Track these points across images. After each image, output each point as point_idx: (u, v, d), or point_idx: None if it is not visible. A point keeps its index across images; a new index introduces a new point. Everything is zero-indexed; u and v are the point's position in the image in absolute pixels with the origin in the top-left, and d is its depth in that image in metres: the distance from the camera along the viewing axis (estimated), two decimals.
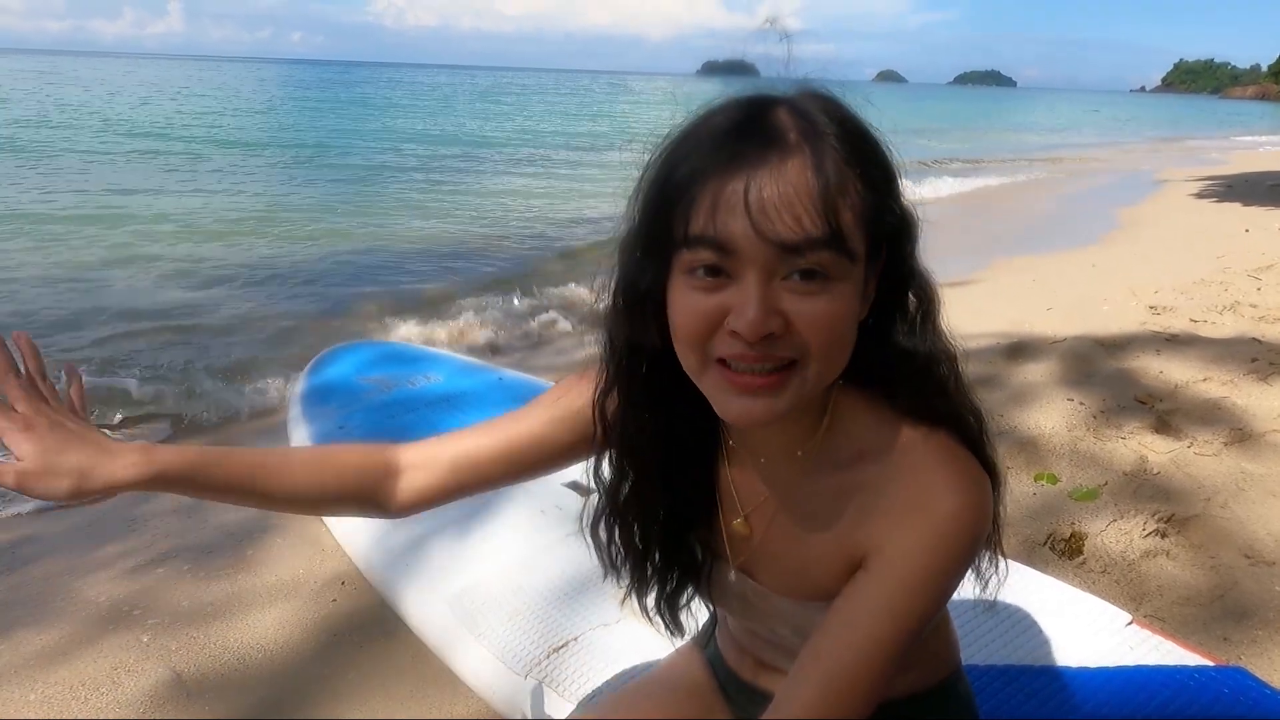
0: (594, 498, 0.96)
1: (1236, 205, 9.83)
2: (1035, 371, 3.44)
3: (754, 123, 0.71)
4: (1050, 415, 2.95)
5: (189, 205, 9.34)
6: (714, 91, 0.76)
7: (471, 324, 5.25)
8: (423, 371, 3.10)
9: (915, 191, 0.78)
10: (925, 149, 17.24)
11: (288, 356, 4.52)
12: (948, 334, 0.83)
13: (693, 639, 1.19)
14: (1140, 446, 2.71)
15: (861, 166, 0.71)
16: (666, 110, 0.78)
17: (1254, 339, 3.86)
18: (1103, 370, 3.42)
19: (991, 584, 0.92)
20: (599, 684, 1.48)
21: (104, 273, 6.30)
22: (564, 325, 4.98)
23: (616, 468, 0.92)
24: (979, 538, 0.77)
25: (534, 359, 4.42)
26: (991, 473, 0.81)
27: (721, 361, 0.72)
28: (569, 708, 1.43)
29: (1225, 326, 4.17)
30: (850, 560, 0.80)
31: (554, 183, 12.29)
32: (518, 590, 1.80)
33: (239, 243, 7.49)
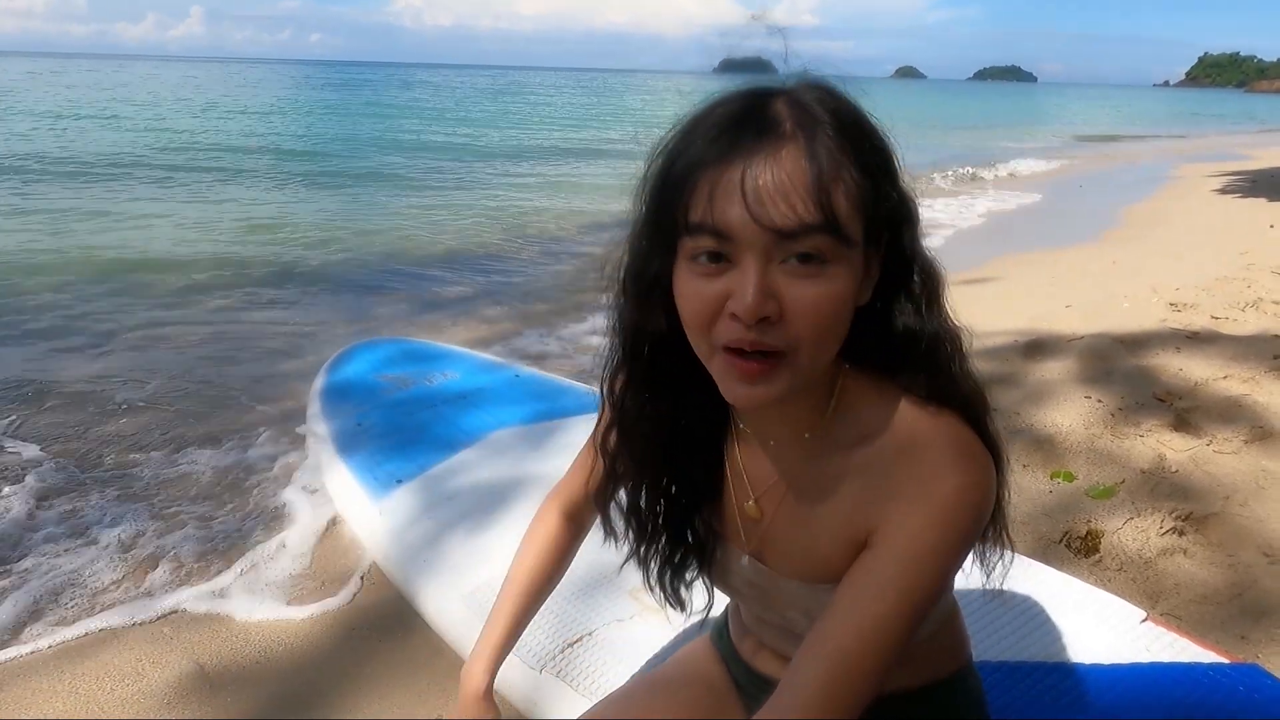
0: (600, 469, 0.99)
1: (1261, 201, 9.70)
2: (1053, 369, 3.42)
3: (751, 113, 0.74)
4: (1068, 413, 2.94)
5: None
6: (719, 88, 0.78)
7: (488, 320, 5.28)
8: (440, 369, 3.13)
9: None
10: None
11: (307, 356, 4.57)
12: (951, 316, 0.84)
13: (705, 632, 1.20)
14: (1159, 444, 2.69)
15: (857, 153, 0.73)
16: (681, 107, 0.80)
17: (1276, 336, 3.82)
18: (1122, 368, 3.39)
19: (997, 570, 0.93)
20: (613, 678, 1.50)
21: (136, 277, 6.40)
22: (584, 324, 5.01)
23: (624, 447, 0.94)
24: (982, 516, 0.78)
25: (551, 356, 4.44)
26: (995, 452, 0.82)
27: (725, 348, 0.75)
28: (584, 702, 1.44)
29: (1247, 323, 4.13)
30: (857, 541, 0.81)
31: (576, 180, 12.31)
32: None
33: (284, 245, 7.59)
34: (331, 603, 2.15)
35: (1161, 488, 2.44)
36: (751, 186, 0.70)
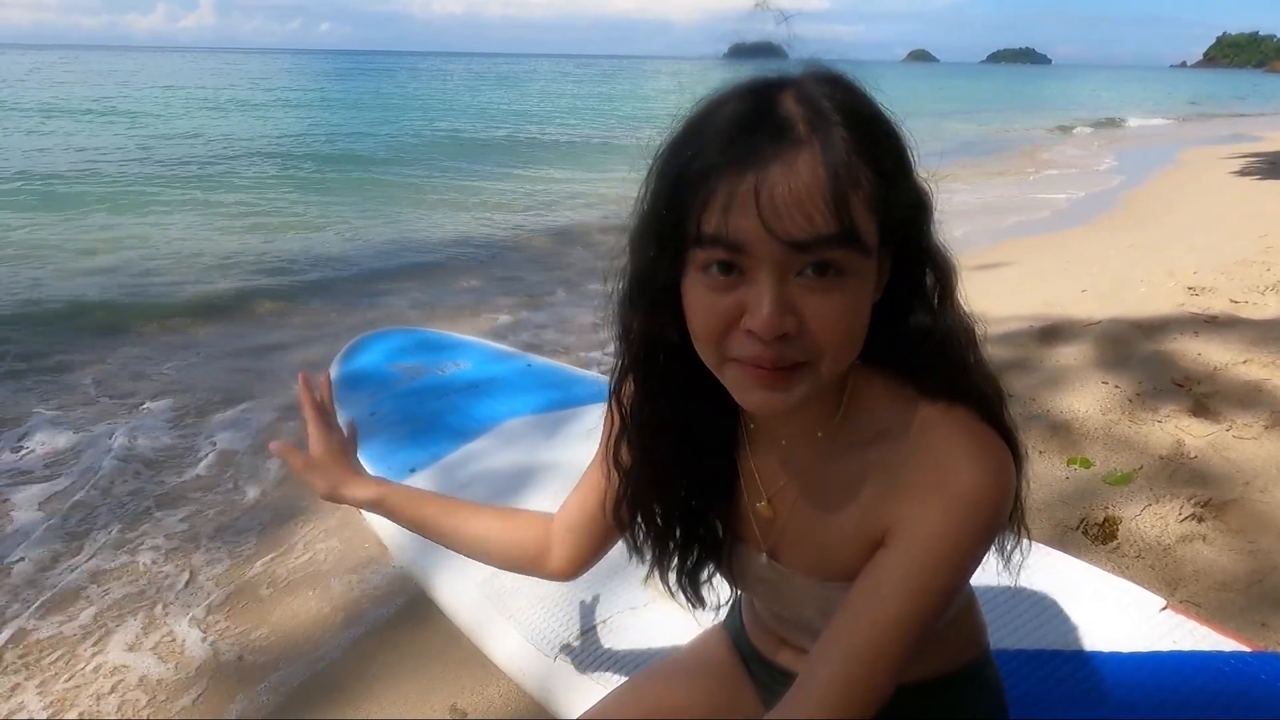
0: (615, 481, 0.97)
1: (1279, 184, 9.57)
2: (1069, 355, 3.38)
3: (761, 114, 0.70)
4: (1084, 399, 2.91)
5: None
6: (725, 77, 0.75)
7: (500, 310, 5.29)
8: (452, 358, 3.12)
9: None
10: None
11: (319, 345, 4.59)
12: (965, 310, 0.82)
13: (719, 621, 1.20)
14: (1177, 430, 2.66)
15: (872, 154, 0.70)
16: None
17: None
18: (1139, 353, 3.35)
19: (1015, 562, 0.92)
20: (627, 666, 1.50)
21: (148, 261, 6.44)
22: (590, 316, 5.01)
23: (636, 453, 0.93)
24: (1001, 512, 0.77)
25: (564, 345, 4.44)
26: (1012, 447, 0.80)
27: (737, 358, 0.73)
28: (598, 690, 1.44)
29: (1268, 307, 4.07)
30: (873, 539, 0.80)
31: (589, 169, 12.28)
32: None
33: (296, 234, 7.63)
34: (345, 592, 2.16)
35: (1180, 474, 2.41)
36: (766, 197, 0.67)
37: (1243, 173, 10.80)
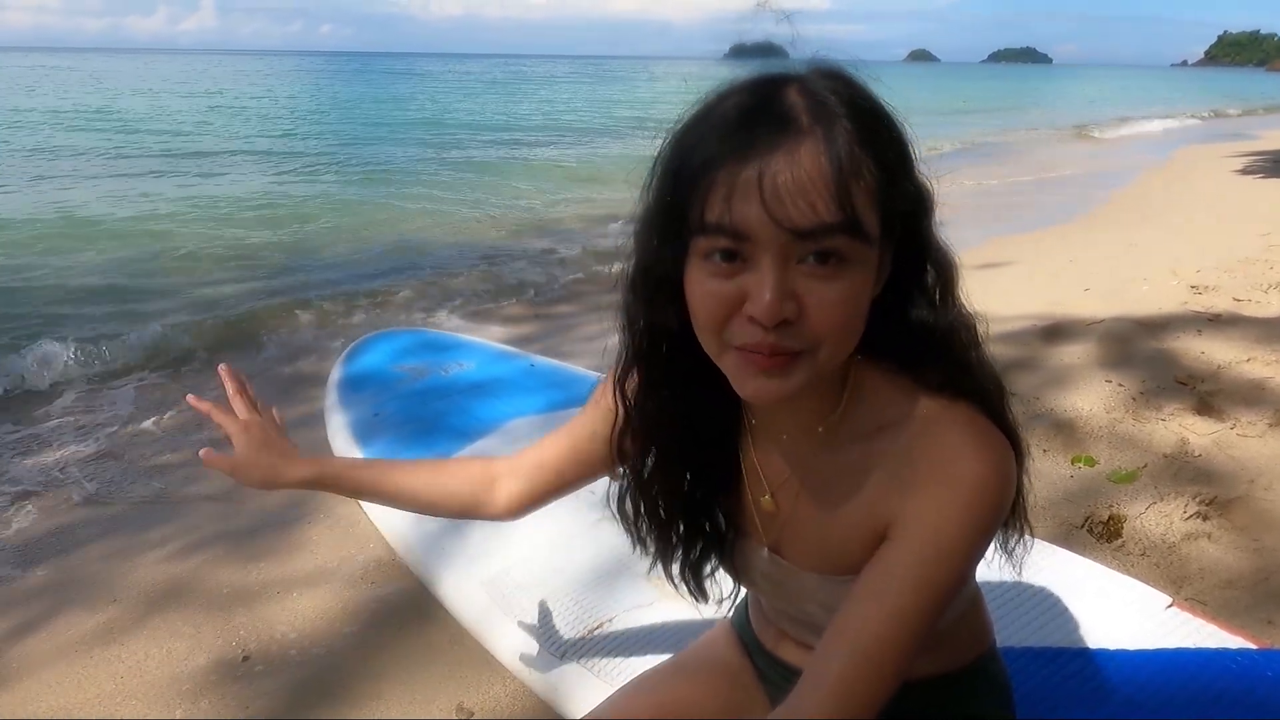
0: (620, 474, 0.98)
1: None
2: (1072, 353, 3.38)
3: (765, 106, 0.71)
4: (1088, 397, 2.91)
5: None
6: (727, 75, 0.76)
7: (503, 311, 5.29)
8: (455, 359, 3.13)
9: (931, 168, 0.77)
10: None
11: (323, 345, 4.59)
12: (966, 304, 0.83)
13: (726, 618, 1.20)
14: (1181, 428, 2.66)
15: (874, 146, 0.71)
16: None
17: None
18: (1142, 351, 3.35)
19: (1017, 557, 0.92)
20: (635, 664, 1.50)
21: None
22: (594, 313, 5.01)
23: (639, 445, 0.94)
24: (1002, 505, 0.78)
25: (566, 345, 4.44)
26: (1013, 441, 0.81)
27: (738, 345, 0.74)
28: (605, 688, 1.45)
29: (1271, 305, 4.06)
30: (875, 533, 0.81)
31: (593, 166, 12.27)
32: (554, 573, 1.82)
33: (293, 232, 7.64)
34: (351, 591, 2.16)
35: (1185, 472, 2.41)
36: (770, 185, 0.68)
37: (1245, 171, 10.79)
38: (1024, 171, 11.68)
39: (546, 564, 1.86)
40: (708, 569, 1.01)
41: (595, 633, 1.62)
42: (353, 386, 2.94)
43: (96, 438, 3.47)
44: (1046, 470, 2.48)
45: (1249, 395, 2.87)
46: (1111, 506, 2.27)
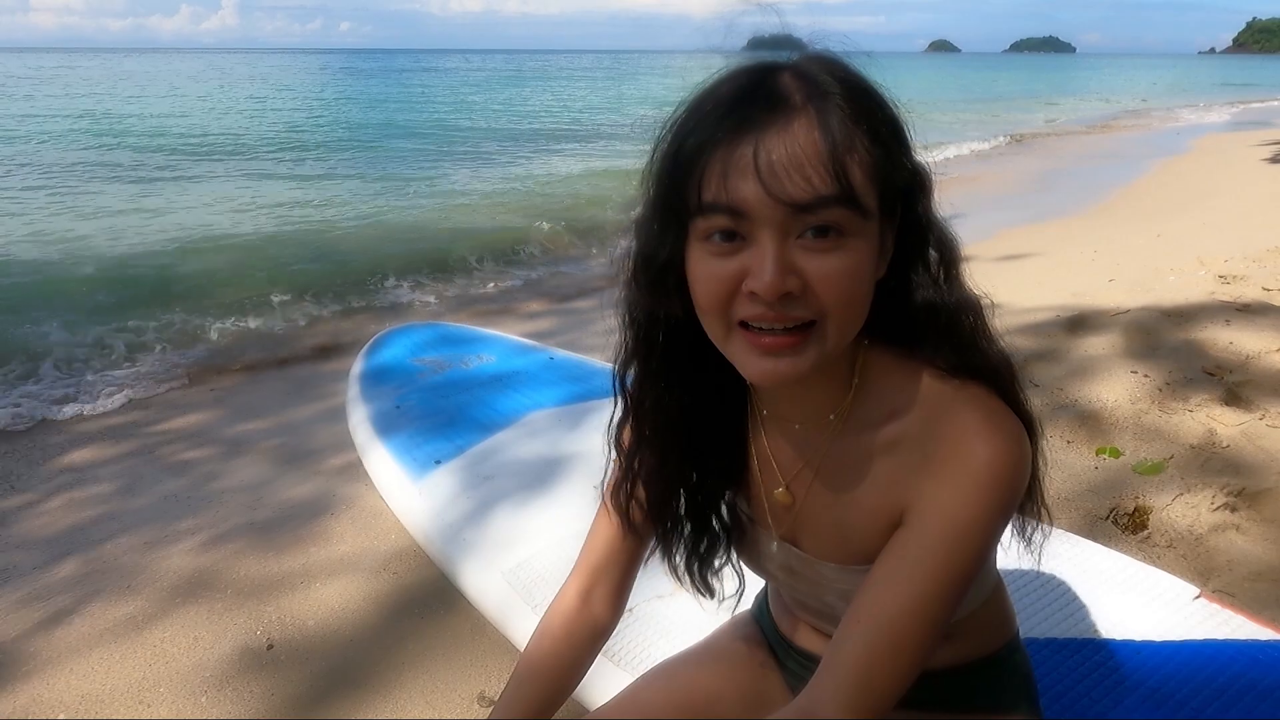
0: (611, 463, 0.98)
1: None
2: (1097, 344, 3.34)
3: (759, 88, 0.72)
4: (1113, 388, 2.87)
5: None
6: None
7: (523, 304, 5.31)
8: (475, 352, 3.14)
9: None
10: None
11: (344, 339, 4.63)
12: (970, 285, 0.82)
13: (747, 609, 1.20)
14: (1209, 419, 2.62)
15: (868, 123, 0.71)
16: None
17: None
18: (1168, 342, 3.30)
19: (1036, 544, 0.91)
20: (655, 654, 1.50)
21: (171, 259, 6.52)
22: (613, 308, 5.00)
23: (640, 437, 0.92)
24: (1017, 488, 0.77)
25: (585, 339, 4.45)
26: (1026, 422, 0.80)
27: (744, 325, 0.74)
28: (626, 676, 1.45)
29: None
30: (891, 520, 0.80)
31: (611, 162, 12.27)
32: (572, 562, 1.81)
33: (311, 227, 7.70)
34: (374, 581, 2.18)
35: (1212, 463, 2.38)
36: (765, 161, 0.68)
37: (1274, 160, 10.59)
38: (1051, 160, 11.54)
39: (566, 555, 1.85)
40: (715, 564, 1.00)
41: None
42: (374, 379, 2.96)
43: (126, 433, 3.53)
44: (1071, 461, 2.45)
45: (1278, 385, 2.82)
46: (1137, 498, 2.24)
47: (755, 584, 1.10)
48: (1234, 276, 4.39)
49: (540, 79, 44.52)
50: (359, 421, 2.71)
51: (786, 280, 0.70)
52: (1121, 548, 1.93)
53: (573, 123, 19.61)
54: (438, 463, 2.35)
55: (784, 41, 0.79)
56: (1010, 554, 0.94)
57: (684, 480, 0.93)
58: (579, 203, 9.07)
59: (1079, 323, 3.64)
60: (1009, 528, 0.82)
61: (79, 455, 3.33)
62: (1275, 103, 25.51)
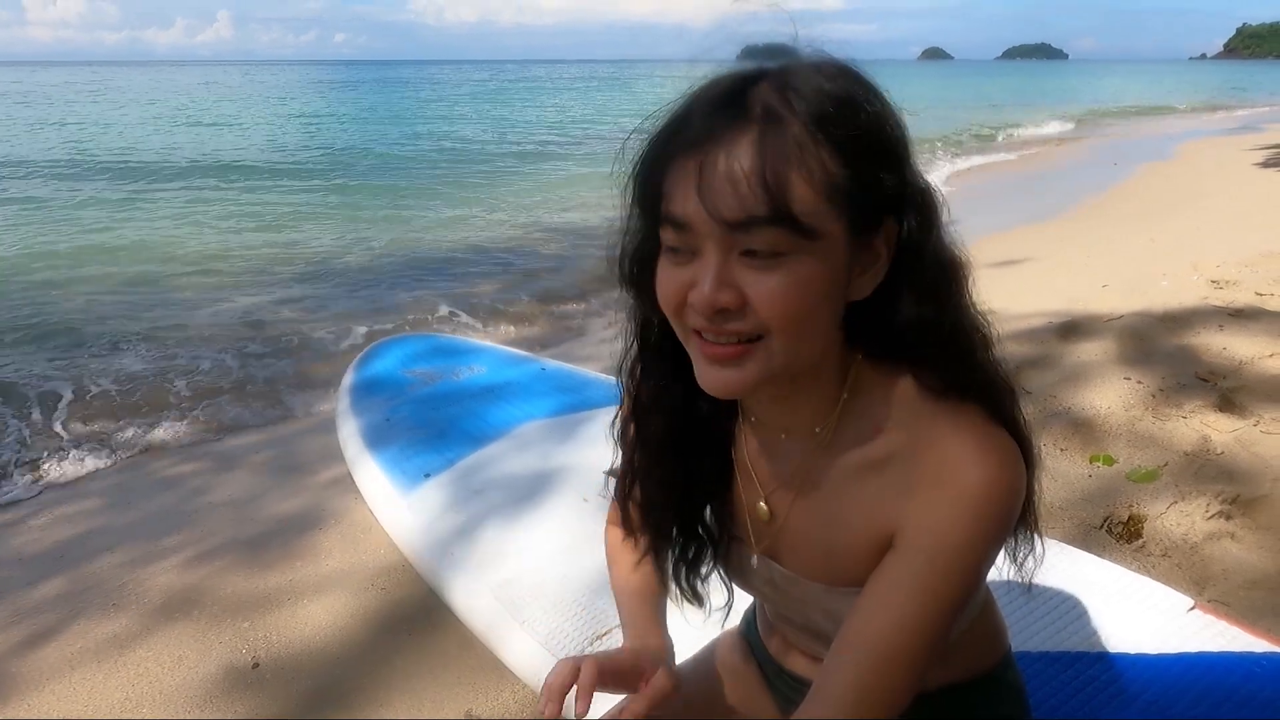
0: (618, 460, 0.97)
1: None
2: (1090, 350, 3.33)
3: (728, 99, 0.71)
4: (1106, 395, 2.86)
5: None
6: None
7: (514, 315, 5.30)
8: (467, 363, 3.13)
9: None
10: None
11: (335, 352, 4.61)
12: (975, 304, 0.80)
13: (735, 626, 1.18)
14: (1203, 425, 2.61)
15: (836, 139, 0.69)
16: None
17: None
18: (1162, 347, 3.30)
19: (1027, 567, 0.89)
20: None
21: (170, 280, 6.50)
22: (605, 316, 5.00)
23: (636, 435, 0.93)
24: (1011, 511, 0.75)
25: (577, 349, 4.43)
26: (1024, 446, 0.78)
27: (698, 333, 0.74)
28: (614, 695, 1.43)
29: None
30: (878, 541, 0.78)
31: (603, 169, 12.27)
32: (562, 579, 1.81)
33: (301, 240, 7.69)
34: (362, 598, 2.16)
35: (1206, 470, 2.36)
36: (708, 176, 0.68)
37: (1265, 164, 10.63)
38: (1042, 165, 11.58)
39: (555, 571, 1.84)
40: (703, 572, 0.98)
41: (604, 639, 1.60)
42: (365, 392, 2.94)
43: (113, 448, 3.50)
44: (1064, 470, 2.44)
45: (1273, 391, 2.82)
46: (1131, 506, 2.23)
47: (744, 598, 1.08)
48: (1227, 281, 4.39)
49: (560, 89, 44.56)
50: (349, 434, 2.69)
51: (720, 296, 0.70)
52: (1115, 557, 1.92)
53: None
54: (427, 476, 2.34)
55: (778, 51, 0.77)
56: (999, 570, 0.92)
57: (673, 483, 0.92)
58: (573, 206, 9.08)
59: (1071, 328, 3.63)
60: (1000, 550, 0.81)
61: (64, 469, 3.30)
62: (1265, 109, 25.63)
